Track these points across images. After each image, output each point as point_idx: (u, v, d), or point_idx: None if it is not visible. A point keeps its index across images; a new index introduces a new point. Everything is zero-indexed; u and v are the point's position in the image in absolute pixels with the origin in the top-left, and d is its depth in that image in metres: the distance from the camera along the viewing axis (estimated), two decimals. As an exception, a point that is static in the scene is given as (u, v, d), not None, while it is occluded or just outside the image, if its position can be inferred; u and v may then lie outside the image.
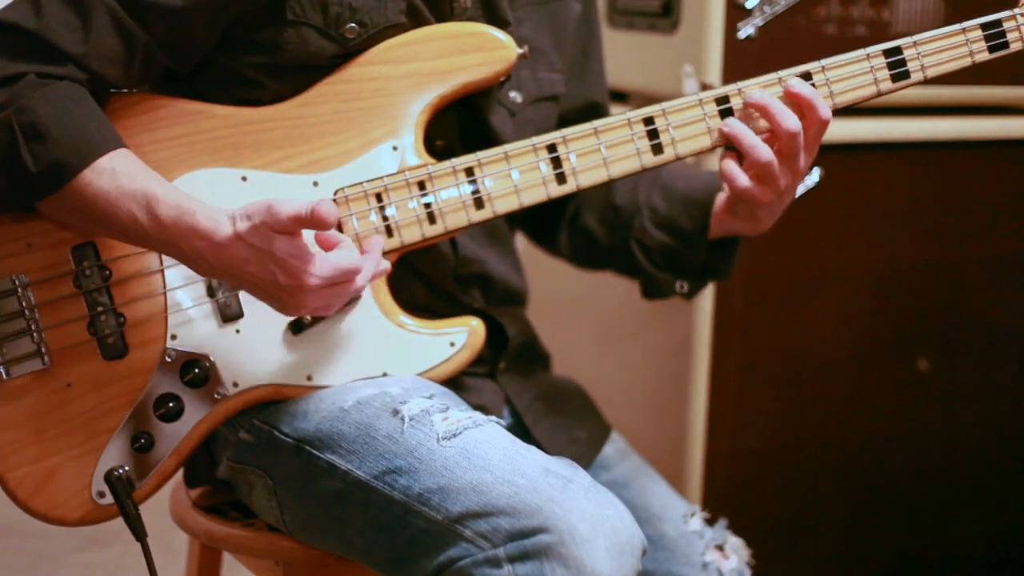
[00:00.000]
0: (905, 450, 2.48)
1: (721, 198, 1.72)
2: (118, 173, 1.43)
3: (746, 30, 2.21)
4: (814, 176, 2.30)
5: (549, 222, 1.91)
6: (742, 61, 2.20)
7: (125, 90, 1.55)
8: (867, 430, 2.44)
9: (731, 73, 2.21)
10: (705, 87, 2.21)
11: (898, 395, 2.45)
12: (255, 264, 1.41)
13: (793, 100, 1.56)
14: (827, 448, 2.42)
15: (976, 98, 2.38)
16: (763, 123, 1.57)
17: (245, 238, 1.40)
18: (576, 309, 2.66)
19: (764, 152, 1.56)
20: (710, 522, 1.78)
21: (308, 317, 1.54)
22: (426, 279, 1.67)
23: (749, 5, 2.20)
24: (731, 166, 1.59)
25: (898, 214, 2.39)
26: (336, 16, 1.55)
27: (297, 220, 1.38)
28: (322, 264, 1.41)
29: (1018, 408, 2.53)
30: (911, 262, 2.41)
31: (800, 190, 2.30)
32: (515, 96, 1.71)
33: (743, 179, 1.59)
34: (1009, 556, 2.60)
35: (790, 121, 1.55)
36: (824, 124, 1.57)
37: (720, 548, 1.74)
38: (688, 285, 1.81)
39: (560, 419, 1.79)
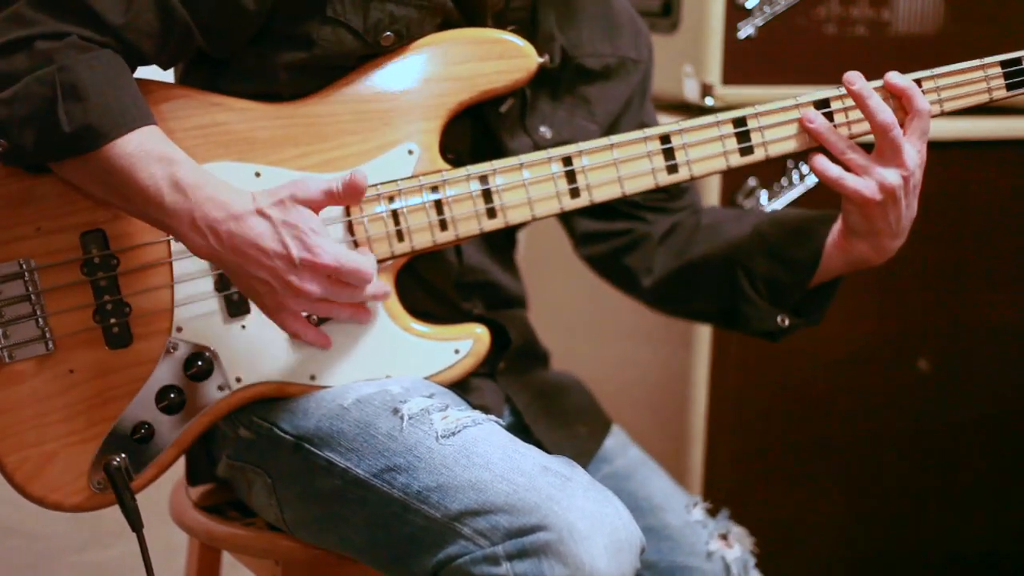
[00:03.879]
0: (905, 450, 2.48)
1: (838, 228, 1.67)
2: (145, 143, 1.43)
3: (746, 30, 2.21)
4: (814, 176, 2.30)
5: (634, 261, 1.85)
6: (742, 61, 2.20)
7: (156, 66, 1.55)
8: (867, 430, 2.44)
9: (731, 73, 2.21)
10: (705, 88, 2.21)
11: (898, 395, 2.45)
12: (269, 239, 1.41)
13: (889, 92, 1.55)
14: (827, 448, 2.42)
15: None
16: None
17: (265, 210, 1.42)
18: (576, 309, 2.67)
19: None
20: (711, 513, 1.78)
21: (315, 317, 1.53)
22: (429, 287, 1.67)
23: (749, 5, 2.20)
24: (820, 159, 1.57)
25: (898, 214, 2.39)
26: (376, 22, 1.54)
27: (328, 193, 1.44)
28: (340, 248, 1.43)
29: (1018, 408, 2.53)
30: (911, 262, 2.41)
31: (800, 190, 2.31)
32: (545, 131, 1.70)
33: (834, 169, 1.56)
34: (1009, 555, 2.60)
35: (885, 114, 1.54)
36: (923, 116, 1.55)
37: (724, 537, 1.74)
38: (789, 320, 1.74)
39: (560, 416, 1.79)
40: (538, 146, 1.67)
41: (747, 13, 2.21)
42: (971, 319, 2.46)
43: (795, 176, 2.28)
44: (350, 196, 1.45)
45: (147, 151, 1.42)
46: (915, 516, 2.51)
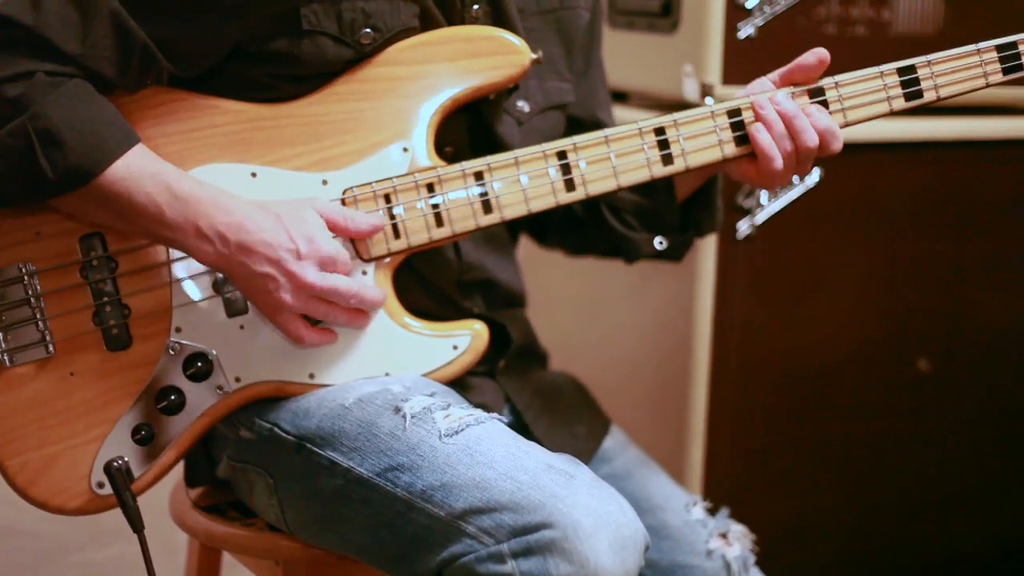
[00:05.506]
0: (905, 450, 2.48)
1: None
2: (133, 164, 1.44)
3: (746, 30, 2.21)
4: (814, 176, 2.30)
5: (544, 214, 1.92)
6: (742, 61, 2.20)
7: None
8: (867, 430, 2.44)
9: (731, 73, 2.21)
10: (705, 88, 2.21)
11: (898, 395, 2.45)
12: (276, 232, 1.44)
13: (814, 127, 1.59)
14: (827, 448, 2.42)
15: (976, 98, 2.38)
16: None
17: (271, 204, 1.46)
18: (576, 309, 2.67)
19: (777, 162, 1.58)
20: (711, 512, 1.78)
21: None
22: (429, 285, 1.67)
23: (749, 5, 2.20)
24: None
25: (898, 214, 2.39)
26: (351, 22, 1.55)
27: (339, 209, 1.50)
28: (339, 250, 1.48)
29: (1018, 408, 2.53)
30: (912, 262, 2.41)
31: (800, 190, 2.31)
32: (523, 105, 1.71)
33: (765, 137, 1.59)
34: (1009, 555, 2.60)
35: (809, 136, 1.57)
36: (833, 154, 1.60)
37: (724, 536, 1.75)
38: (667, 240, 1.81)
39: (559, 415, 1.79)
40: (519, 122, 1.69)
41: (747, 13, 2.21)
42: (971, 319, 2.46)
43: (794, 177, 2.28)
44: (356, 232, 1.52)
45: (138, 172, 1.44)
46: (915, 515, 2.51)
